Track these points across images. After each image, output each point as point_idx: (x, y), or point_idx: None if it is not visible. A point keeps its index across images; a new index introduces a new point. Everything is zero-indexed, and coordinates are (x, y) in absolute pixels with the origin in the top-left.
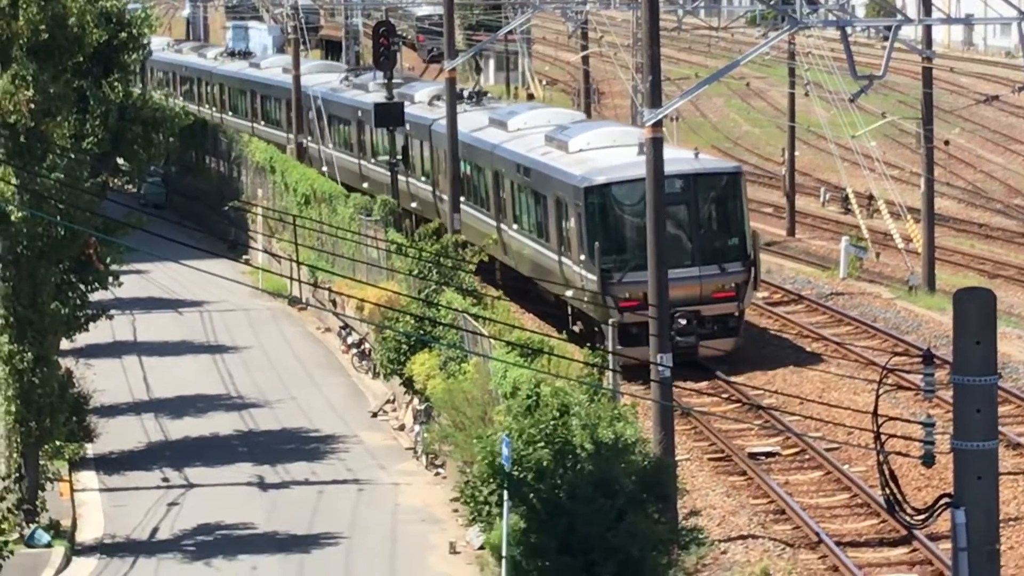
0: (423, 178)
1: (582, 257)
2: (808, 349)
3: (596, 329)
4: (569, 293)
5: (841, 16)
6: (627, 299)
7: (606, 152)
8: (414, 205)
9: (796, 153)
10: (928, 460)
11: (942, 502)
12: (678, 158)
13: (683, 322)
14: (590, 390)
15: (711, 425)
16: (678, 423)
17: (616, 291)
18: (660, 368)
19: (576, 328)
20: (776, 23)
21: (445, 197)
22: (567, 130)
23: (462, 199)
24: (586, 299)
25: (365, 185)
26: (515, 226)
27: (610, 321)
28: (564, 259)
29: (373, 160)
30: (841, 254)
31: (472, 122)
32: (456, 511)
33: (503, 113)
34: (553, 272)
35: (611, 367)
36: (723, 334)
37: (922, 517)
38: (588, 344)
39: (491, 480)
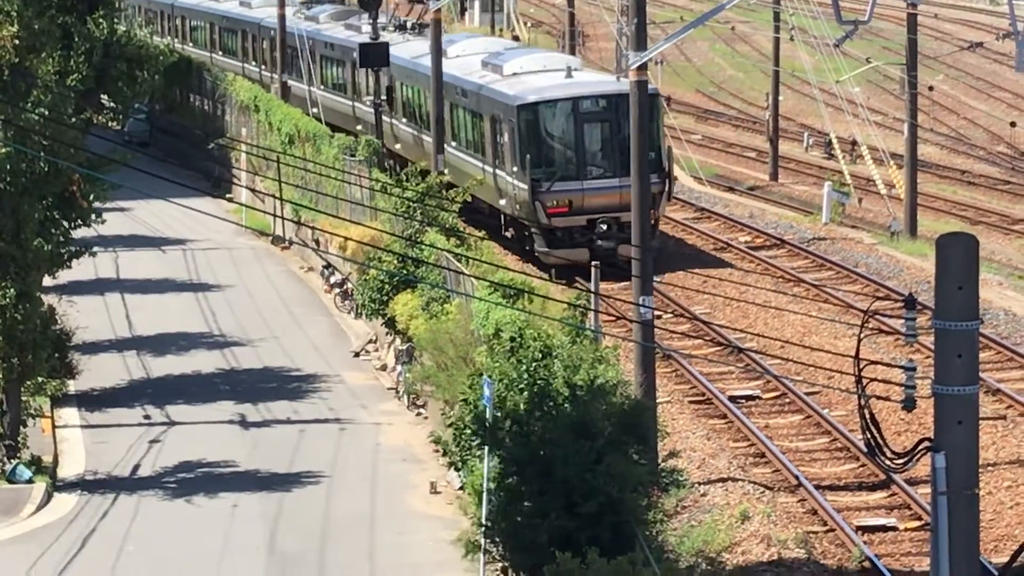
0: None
1: (514, 169)
2: (790, 293)
3: (527, 233)
4: (503, 202)
5: None
6: (555, 206)
7: (537, 75)
8: (360, 128)
9: (780, 98)
10: (909, 404)
11: (922, 446)
12: (602, 80)
13: (604, 227)
14: (572, 331)
15: (692, 368)
16: (660, 366)
17: (544, 199)
18: (642, 310)
19: (508, 234)
20: None
21: (394, 121)
22: (502, 55)
23: (403, 121)
24: (518, 207)
25: (359, 128)
26: (453, 143)
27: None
28: (498, 171)
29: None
30: (824, 199)
31: (414, 50)
32: (437, 451)
33: (443, 41)
34: (488, 184)
35: (594, 309)
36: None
37: (902, 461)
38: (526, 249)
39: (472, 423)
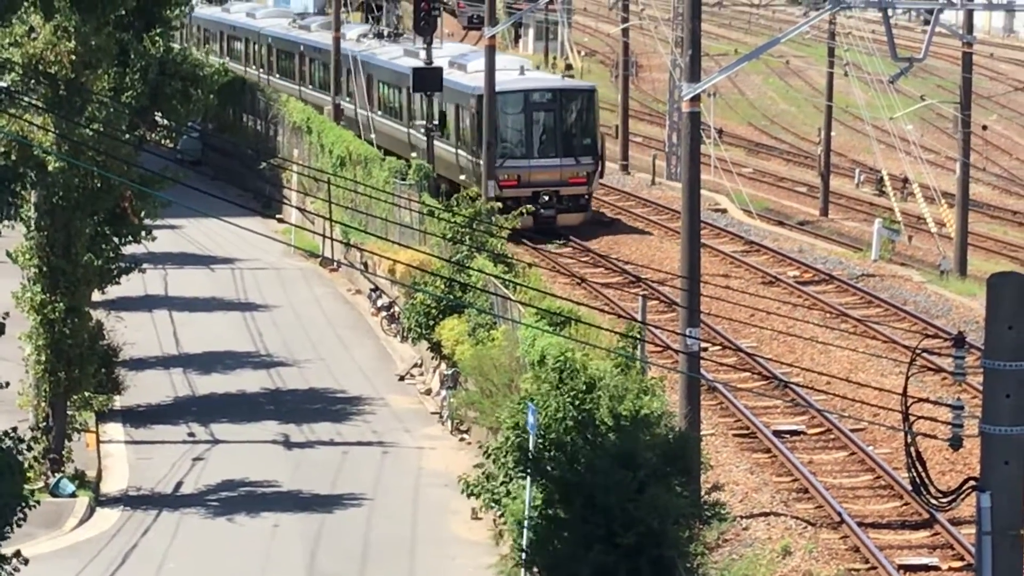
0: (346, 100)
1: (474, 148)
2: (837, 328)
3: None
4: (462, 177)
5: None
6: (505, 179)
7: (499, 72)
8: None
9: (832, 133)
10: (956, 443)
11: (968, 485)
12: (549, 78)
13: (546, 198)
14: (619, 361)
15: (737, 401)
16: (705, 398)
17: (497, 174)
18: (689, 341)
19: None
20: (818, 2)
21: (372, 115)
22: (466, 56)
23: (378, 113)
24: (476, 178)
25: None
26: (421, 129)
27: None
28: (459, 151)
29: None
30: (874, 236)
31: (391, 52)
32: (479, 476)
33: (416, 46)
34: (452, 163)
35: (641, 339)
36: (575, 210)
37: (947, 500)
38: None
39: (514, 450)
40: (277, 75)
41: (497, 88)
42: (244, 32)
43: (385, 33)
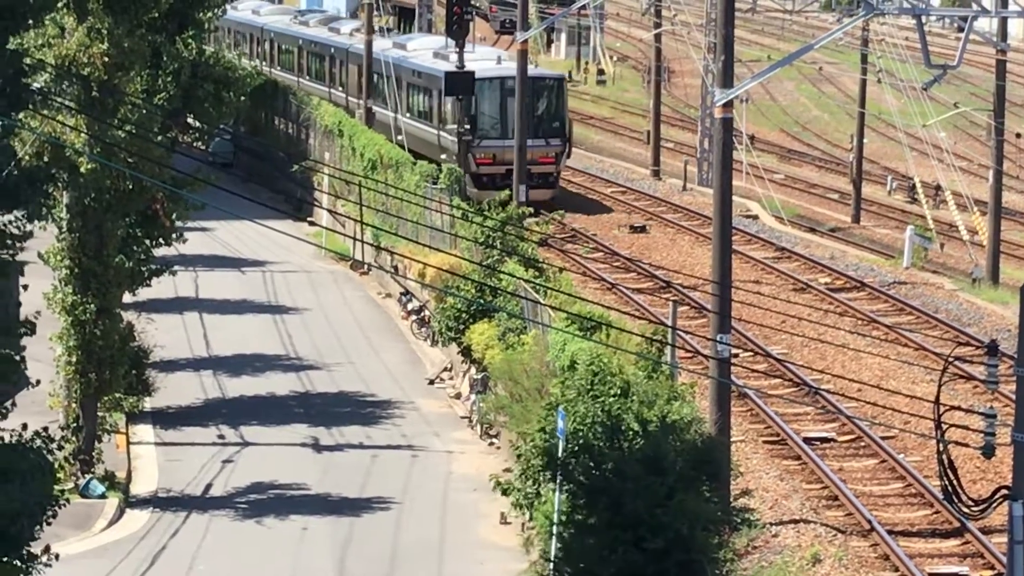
0: (339, 87)
1: (451, 128)
2: (868, 336)
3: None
4: (443, 156)
5: (917, 4)
6: (482, 158)
7: (475, 62)
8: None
9: (865, 140)
10: (988, 451)
11: (1000, 494)
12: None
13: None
14: (648, 366)
15: (768, 407)
16: (735, 404)
17: (475, 152)
18: (719, 347)
19: None
20: (851, 9)
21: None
22: (449, 47)
23: (407, 116)
24: (455, 158)
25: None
26: (408, 115)
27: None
28: (441, 132)
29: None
30: (905, 243)
31: (380, 44)
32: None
33: (403, 39)
34: (433, 143)
35: (671, 344)
36: (545, 186)
37: (979, 508)
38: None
39: (543, 455)
40: (308, 78)
41: (476, 75)
42: (251, 29)
43: (377, 28)
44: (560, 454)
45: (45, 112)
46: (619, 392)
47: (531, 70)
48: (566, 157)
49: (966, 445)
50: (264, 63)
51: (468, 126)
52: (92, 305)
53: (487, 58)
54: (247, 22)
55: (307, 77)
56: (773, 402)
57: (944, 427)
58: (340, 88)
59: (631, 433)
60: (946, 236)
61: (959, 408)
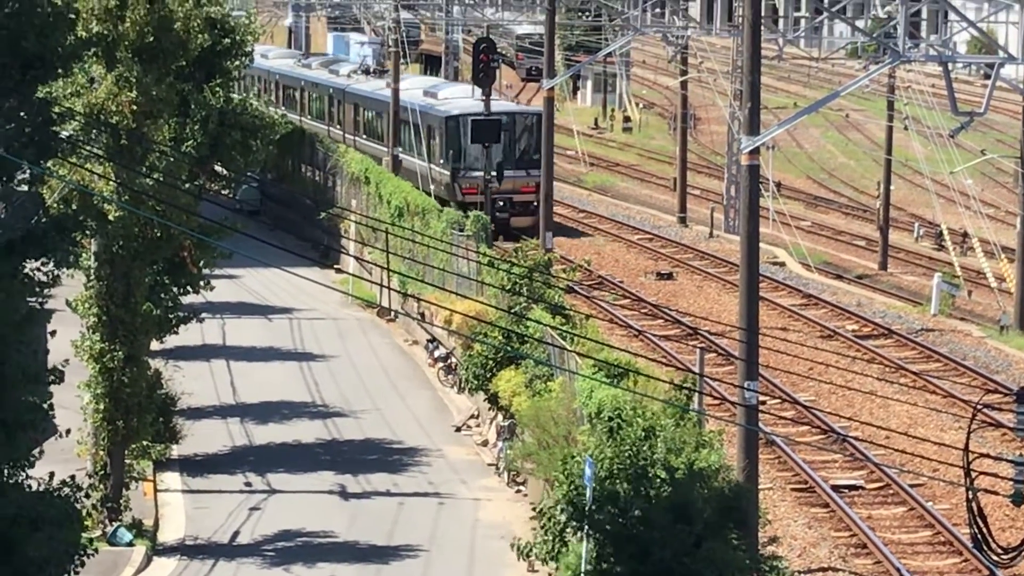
0: (337, 125)
1: (441, 161)
2: (896, 383)
3: (449, 205)
4: (432, 187)
5: (943, 51)
6: (468, 187)
7: (460, 100)
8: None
9: (891, 187)
10: (1018, 499)
11: None
12: (506, 104)
13: (502, 204)
14: (676, 413)
15: (796, 455)
16: (763, 452)
17: (461, 182)
18: (747, 394)
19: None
20: (877, 56)
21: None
22: (438, 87)
23: (362, 136)
24: (443, 188)
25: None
26: (399, 149)
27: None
28: (431, 164)
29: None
30: (933, 290)
31: (375, 84)
32: (534, 530)
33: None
34: (425, 175)
35: (699, 391)
36: (526, 213)
37: (1009, 556)
38: None
39: (569, 503)
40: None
41: (460, 112)
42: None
43: (371, 70)
44: (588, 502)
45: (74, 160)
46: (643, 435)
47: (512, 106)
48: None
49: (995, 493)
50: (271, 104)
51: (453, 157)
52: (120, 353)
53: (469, 96)
54: (256, 65)
55: (308, 116)
56: (801, 449)
57: (973, 475)
58: (338, 126)
59: (658, 480)
60: (974, 283)
61: (988, 456)
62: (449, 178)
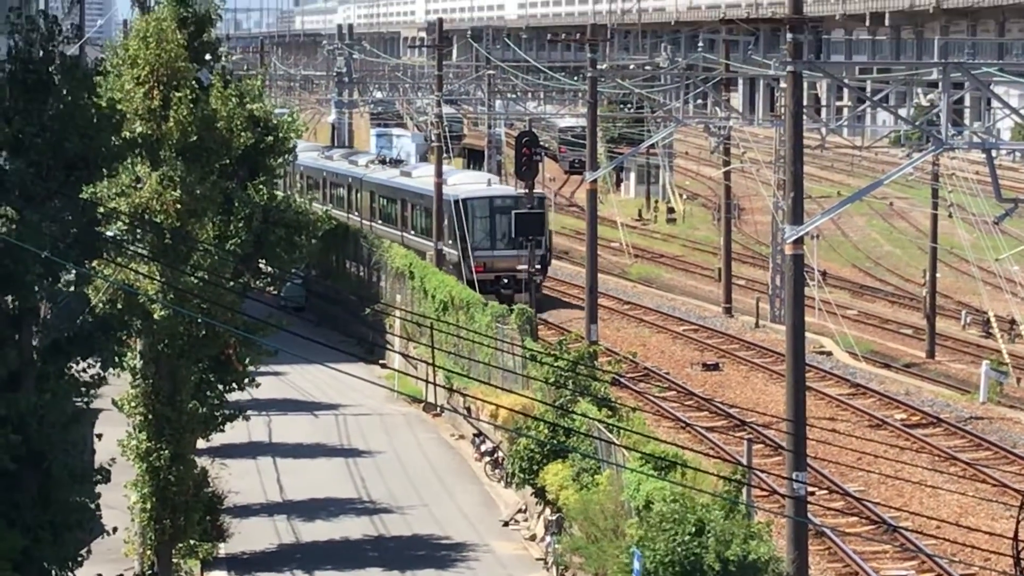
0: (356, 212)
1: (451, 241)
2: (946, 472)
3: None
4: (441, 267)
5: (986, 139)
6: (476, 266)
7: (468, 185)
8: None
9: (937, 275)
10: None
11: None
12: (508, 189)
13: (505, 281)
14: (725, 506)
15: (846, 546)
16: (812, 543)
17: (470, 261)
18: (796, 485)
19: None
20: (920, 144)
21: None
22: (447, 173)
23: (378, 222)
24: (451, 266)
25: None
26: (412, 231)
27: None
28: (440, 244)
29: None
30: (981, 378)
31: (389, 173)
32: None
33: (408, 168)
34: (432, 254)
35: (747, 483)
36: (526, 290)
37: None
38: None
39: None
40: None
41: (467, 196)
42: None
43: (387, 160)
44: None
45: (119, 260)
46: (694, 531)
47: (514, 191)
48: (548, 265)
49: None
50: (298, 194)
51: (461, 237)
52: (166, 451)
53: (478, 181)
54: None
55: (330, 204)
56: (851, 540)
57: None
58: (356, 212)
59: (711, 573)
60: (1022, 370)
61: None
62: (459, 256)
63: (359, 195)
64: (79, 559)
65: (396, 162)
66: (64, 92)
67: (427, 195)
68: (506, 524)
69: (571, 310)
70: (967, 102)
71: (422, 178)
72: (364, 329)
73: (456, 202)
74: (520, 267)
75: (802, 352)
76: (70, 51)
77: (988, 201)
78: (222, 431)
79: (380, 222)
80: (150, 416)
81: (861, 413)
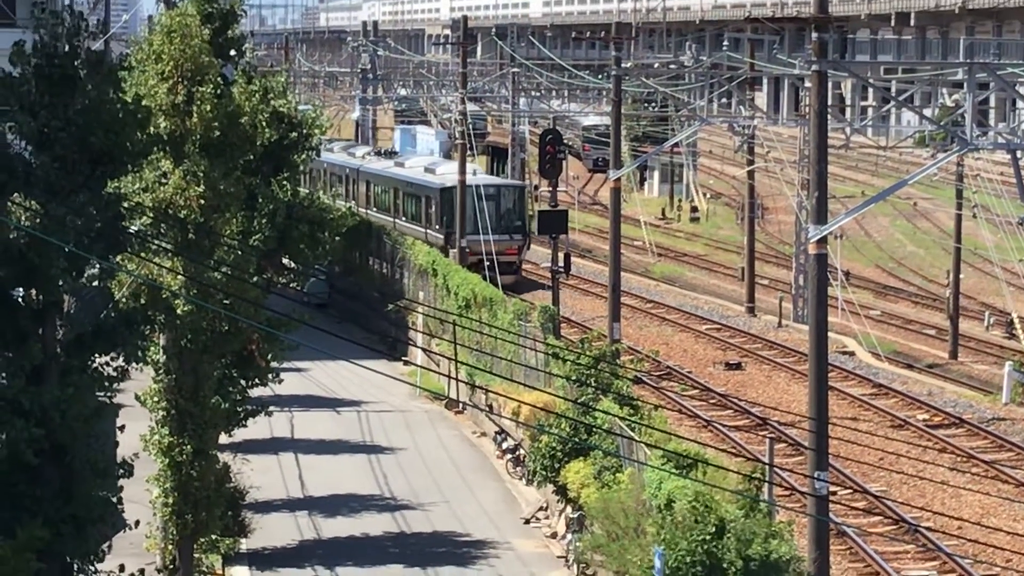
0: (353, 200)
1: (437, 227)
2: (968, 472)
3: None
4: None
5: (1011, 139)
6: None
7: (454, 175)
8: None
9: (961, 275)
10: None
11: None
12: (493, 178)
13: (488, 263)
14: (746, 505)
15: (867, 546)
16: (834, 543)
17: (453, 243)
18: (817, 485)
19: None
20: (945, 144)
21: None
22: (436, 163)
23: (373, 209)
24: (438, 249)
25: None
26: (403, 217)
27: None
28: (428, 229)
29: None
30: (1004, 379)
31: (384, 163)
32: None
33: (402, 158)
34: (422, 238)
35: (769, 481)
36: (509, 272)
37: None
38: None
39: None
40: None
41: (452, 184)
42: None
43: (383, 151)
44: None
45: (143, 255)
46: (715, 530)
47: (499, 180)
48: (527, 249)
49: None
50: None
51: (446, 222)
52: (189, 446)
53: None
54: None
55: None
56: (872, 540)
57: None
58: (354, 200)
59: (733, 571)
60: None
61: None
62: (443, 240)
63: (356, 185)
64: (101, 553)
65: (391, 153)
66: (89, 87)
67: (416, 183)
68: (527, 522)
69: (546, 291)
70: (992, 103)
71: (414, 168)
72: (387, 326)
73: (442, 190)
74: (503, 250)
75: (825, 352)
76: (95, 46)
77: (1013, 202)
78: (244, 427)
79: (375, 209)
80: (172, 411)
81: (883, 413)
